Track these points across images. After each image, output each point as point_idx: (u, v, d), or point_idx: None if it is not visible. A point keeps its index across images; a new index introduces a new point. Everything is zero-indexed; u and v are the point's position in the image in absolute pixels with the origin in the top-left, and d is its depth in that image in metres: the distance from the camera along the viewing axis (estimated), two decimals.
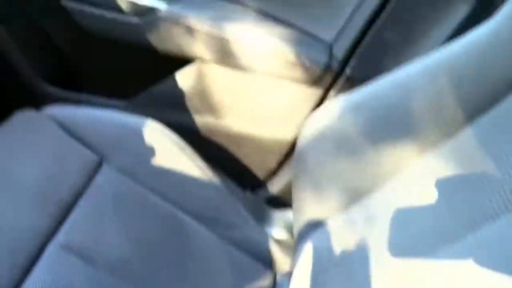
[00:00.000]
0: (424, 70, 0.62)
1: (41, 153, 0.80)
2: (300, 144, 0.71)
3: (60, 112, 0.88)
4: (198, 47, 0.93)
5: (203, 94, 1.00)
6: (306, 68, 0.88)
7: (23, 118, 0.86)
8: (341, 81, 0.90)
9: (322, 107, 0.72)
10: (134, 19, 0.94)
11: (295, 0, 0.92)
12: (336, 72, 0.89)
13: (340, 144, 0.66)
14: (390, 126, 0.63)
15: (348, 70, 0.90)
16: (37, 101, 1.10)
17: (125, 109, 1.06)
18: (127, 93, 1.08)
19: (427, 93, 0.60)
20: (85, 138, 0.84)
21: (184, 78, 1.01)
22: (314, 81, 0.90)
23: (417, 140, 0.60)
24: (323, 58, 0.88)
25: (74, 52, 1.12)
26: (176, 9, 0.91)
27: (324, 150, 0.67)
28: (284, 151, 1.01)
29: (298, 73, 0.90)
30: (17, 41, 1.07)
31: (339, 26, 0.89)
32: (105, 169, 0.81)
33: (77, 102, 1.10)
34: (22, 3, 1.05)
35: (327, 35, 0.91)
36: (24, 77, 1.11)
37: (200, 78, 0.99)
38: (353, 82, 0.89)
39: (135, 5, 0.93)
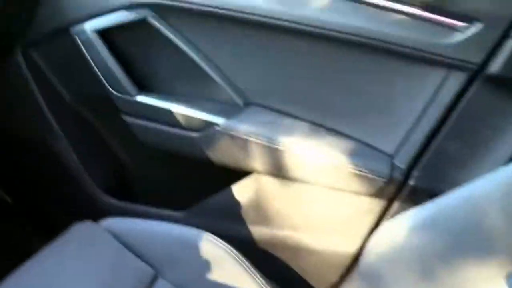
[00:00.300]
0: (497, 183, 0.58)
1: (97, 266, 0.80)
2: (366, 260, 0.67)
3: (117, 224, 0.88)
4: (254, 160, 0.93)
5: (260, 205, 0.99)
6: (367, 180, 0.87)
7: (80, 230, 0.87)
8: (404, 192, 0.87)
9: (389, 222, 0.68)
10: (192, 133, 0.96)
11: (350, 112, 0.92)
12: (399, 183, 0.87)
13: (411, 263, 0.62)
14: (465, 245, 0.58)
15: (411, 181, 0.87)
16: (94, 210, 1.13)
17: (182, 220, 1.06)
18: (183, 204, 1.08)
19: (503, 209, 0.56)
20: (141, 251, 0.84)
21: (240, 189, 1.00)
22: (376, 193, 0.88)
23: (496, 259, 0.55)
24: (384, 170, 0.86)
25: (132, 163, 1.15)
26: (233, 123, 0.93)
27: (394, 269, 0.63)
28: (346, 264, 0.97)
29: (359, 185, 0.88)
30: (77, 151, 1.12)
31: (400, 136, 0.88)
32: (160, 283, 0.80)
33: (134, 213, 1.11)
34: (84, 114, 1.11)
35: (387, 146, 0.90)
36: (83, 187, 1.14)
37: (257, 189, 0.98)
38: (417, 193, 0.86)
39: (193, 119, 0.95)
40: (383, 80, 0.88)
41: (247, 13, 0.88)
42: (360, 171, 0.87)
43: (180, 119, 0.96)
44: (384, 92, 0.88)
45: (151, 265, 0.81)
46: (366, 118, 0.91)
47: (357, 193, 0.89)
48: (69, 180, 1.15)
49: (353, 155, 0.88)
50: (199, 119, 0.95)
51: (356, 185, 0.88)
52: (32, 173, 1.22)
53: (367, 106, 0.90)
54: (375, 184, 0.87)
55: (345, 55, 0.88)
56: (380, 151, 0.90)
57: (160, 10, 0.93)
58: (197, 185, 1.06)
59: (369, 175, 0.86)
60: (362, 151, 0.90)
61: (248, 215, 1.01)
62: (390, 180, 0.86)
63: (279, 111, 0.96)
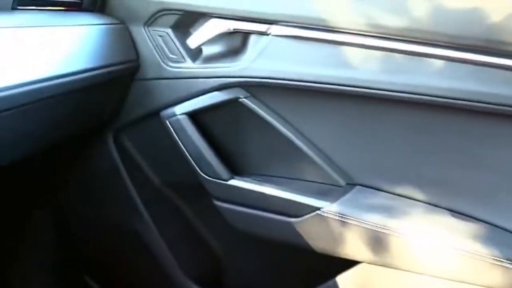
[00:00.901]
0: None
1: None
2: None
3: None
4: (362, 248, 0.83)
5: None
6: (504, 272, 0.73)
7: None
8: None
9: None
10: (290, 219, 0.88)
11: (476, 189, 0.80)
12: None
13: None
14: None
15: None
16: None
17: None
18: None
19: None
20: None
21: (346, 281, 0.90)
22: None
23: None
24: None
25: (224, 251, 1.08)
26: (336, 206, 0.84)
27: None
28: None
29: (494, 278, 0.75)
30: (166, 237, 1.08)
31: None
32: None
33: None
34: (173, 199, 1.06)
35: None
36: (170, 276, 1.10)
37: (365, 282, 0.87)
38: None
39: (291, 203, 0.87)
40: None
41: (345, 85, 0.81)
42: (495, 260, 0.74)
43: (277, 203, 0.88)
44: None
45: None
46: (498, 196, 0.79)
47: (492, 287, 0.76)
48: (157, 267, 1.11)
49: (485, 241, 0.76)
50: (298, 203, 0.87)
51: (490, 277, 0.75)
52: (120, 259, 1.19)
53: (497, 181, 0.79)
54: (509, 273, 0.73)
55: (467, 124, 0.78)
56: None
57: (251, 89, 0.89)
58: (295, 276, 0.96)
59: (507, 265, 0.73)
60: (496, 236, 0.77)
61: None
62: None
63: (387, 192, 0.86)
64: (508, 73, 0.73)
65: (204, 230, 1.08)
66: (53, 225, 1.25)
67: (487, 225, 0.80)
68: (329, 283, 0.91)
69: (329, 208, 0.84)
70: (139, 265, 1.15)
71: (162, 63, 0.94)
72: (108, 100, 0.98)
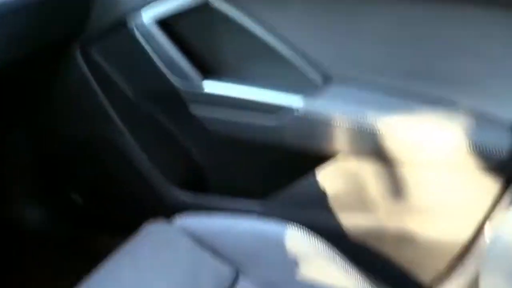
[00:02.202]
0: None
1: (172, 268, 0.76)
2: (494, 246, 0.55)
3: (191, 221, 0.84)
4: (341, 143, 0.83)
5: (350, 191, 0.89)
6: (482, 156, 0.74)
7: (153, 230, 0.83)
8: None
9: None
10: (267, 120, 0.88)
11: (458, 76, 0.78)
12: None
13: None
14: None
15: None
16: (167, 206, 1.10)
17: (260, 211, 0.99)
18: (261, 194, 1.00)
19: None
20: (219, 249, 0.79)
21: (326, 175, 0.91)
22: (493, 170, 0.75)
23: None
24: (504, 142, 0.73)
25: (203, 155, 1.08)
26: (313, 106, 0.84)
27: None
28: (455, 252, 0.84)
29: (471, 162, 0.75)
30: (144, 147, 1.08)
31: None
32: (242, 283, 0.75)
33: (208, 207, 1.06)
34: (149, 109, 1.07)
35: (507, 113, 0.76)
36: (153, 183, 1.11)
37: (345, 174, 0.88)
38: None
39: (267, 104, 0.87)
40: (501, 35, 0.74)
41: None
42: (474, 144, 0.74)
43: (253, 105, 0.88)
44: (502, 49, 0.74)
45: (232, 264, 0.77)
46: (485, 82, 0.77)
47: (469, 171, 0.77)
48: (138, 177, 1.11)
49: (464, 125, 0.76)
50: (275, 104, 0.86)
51: (468, 162, 0.76)
52: (101, 173, 1.19)
53: (479, 67, 0.77)
54: (492, 160, 0.74)
55: (450, 12, 0.76)
56: (499, 120, 0.77)
57: None
58: (274, 173, 0.98)
59: (485, 149, 0.74)
60: (476, 121, 0.77)
61: (336, 202, 0.91)
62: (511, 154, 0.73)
63: (367, 84, 0.84)
64: None
65: (182, 136, 1.07)
66: (31, 146, 1.24)
67: (471, 111, 0.79)
68: (309, 178, 0.92)
69: (306, 106, 0.83)
70: (120, 176, 1.15)
71: None
72: (70, 11, 0.94)
